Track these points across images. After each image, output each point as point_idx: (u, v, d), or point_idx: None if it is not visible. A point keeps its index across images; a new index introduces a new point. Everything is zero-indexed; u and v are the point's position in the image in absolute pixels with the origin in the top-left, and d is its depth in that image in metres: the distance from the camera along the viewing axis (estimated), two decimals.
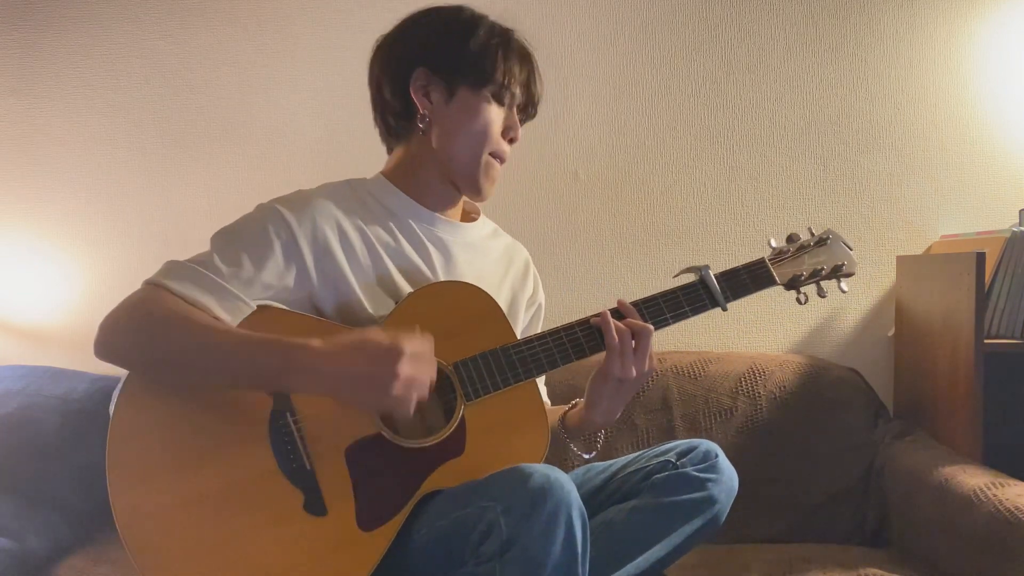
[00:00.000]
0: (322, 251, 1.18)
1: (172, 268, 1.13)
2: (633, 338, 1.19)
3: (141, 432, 1.09)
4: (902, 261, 1.87)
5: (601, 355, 1.22)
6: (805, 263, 1.29)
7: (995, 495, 1.31)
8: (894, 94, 1.92)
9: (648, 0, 1.95)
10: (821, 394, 1.74)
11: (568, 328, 1.22)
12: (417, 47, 1.25)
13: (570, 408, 1.32)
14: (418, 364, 1.05)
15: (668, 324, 1.24)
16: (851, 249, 1.31)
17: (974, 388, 1.52)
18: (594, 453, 1.31)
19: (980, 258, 1.51)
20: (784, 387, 1.75)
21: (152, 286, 1.11)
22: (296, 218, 1.17)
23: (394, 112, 1.27)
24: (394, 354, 1.03)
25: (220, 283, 1.11)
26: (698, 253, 1.96)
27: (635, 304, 1.23)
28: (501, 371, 1.18)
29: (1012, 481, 1.36)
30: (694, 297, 1.25)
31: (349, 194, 1.25)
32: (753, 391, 1.75)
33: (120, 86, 2.00)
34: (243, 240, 1.15)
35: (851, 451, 1.70)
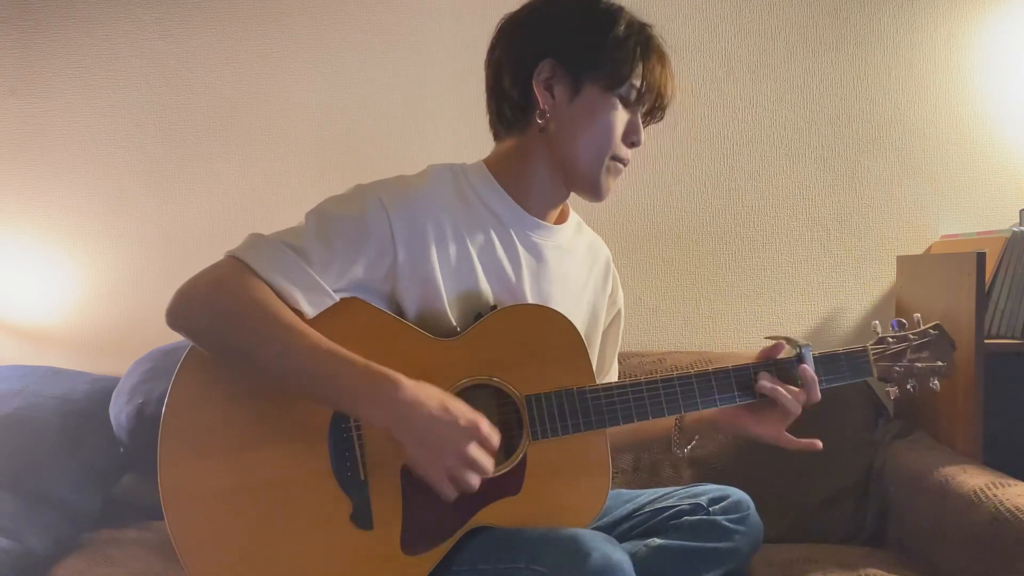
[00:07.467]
0: (417, 252, 1.11)
1: (259, 246, 1.06)
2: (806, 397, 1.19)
3: (199, 407, 1.06)
4: (902, 261, 1.87)
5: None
6: (905, 358, 1.23)
7: (995, 495, 1.31)
8: (894, 94, 1.93)
9: (648, 0, 1.95)
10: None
11: (651, 383, 1.16)
12: (547, 36, 1.15)
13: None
14: (482, 453, 1.01)
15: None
16: (954, 349, 1.24)
17: (974, 388, 1.52)
18: (687, 450, 1.30)
19: (980, 258, 1.51)
20: None
21: (237, 263, 1.04)
22: (396, 212, 1.10)
23: (511, 102, 1.17)
24: (471, 431, 1.00)
25: (309, 273, 1.05)
26: (697, 253, 1.96)
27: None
28: (574, 415, 1.12)
29: (1012, 481, 1.36)
30: (791, 378, 1.20)
31: (453, 189, 1.16)
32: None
33: (120, 86, 2.00)
34: (338, 228, 1.08)
35: (851, 451, 1.70)
